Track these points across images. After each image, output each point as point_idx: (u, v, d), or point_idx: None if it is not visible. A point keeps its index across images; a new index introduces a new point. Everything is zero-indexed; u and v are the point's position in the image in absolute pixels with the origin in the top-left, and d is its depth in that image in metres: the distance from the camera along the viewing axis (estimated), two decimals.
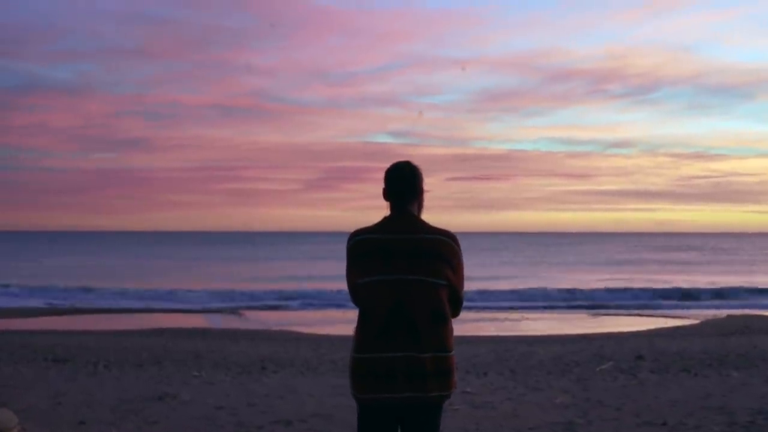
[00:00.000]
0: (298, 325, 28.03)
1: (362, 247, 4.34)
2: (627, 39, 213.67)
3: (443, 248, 4.33)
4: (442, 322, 4.30)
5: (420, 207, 4.50)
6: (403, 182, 4.42)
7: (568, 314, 32.88)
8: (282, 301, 38.67)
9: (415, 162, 4.52)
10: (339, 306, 35.13)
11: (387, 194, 4.45)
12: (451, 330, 4.37)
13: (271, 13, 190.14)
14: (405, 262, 4.26)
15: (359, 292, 4.35)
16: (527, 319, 29.67)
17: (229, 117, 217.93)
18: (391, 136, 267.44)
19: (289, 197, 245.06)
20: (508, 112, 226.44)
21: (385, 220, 4.41)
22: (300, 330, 25.99)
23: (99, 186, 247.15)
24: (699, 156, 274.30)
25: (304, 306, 36.67)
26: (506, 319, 28.59)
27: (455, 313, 4.45)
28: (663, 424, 8.91)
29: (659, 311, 34.16)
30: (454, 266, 4.37)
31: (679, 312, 33.64)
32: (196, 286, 44.38)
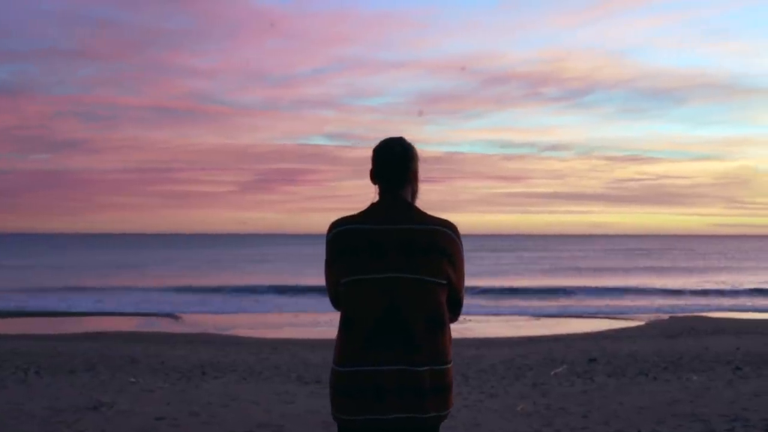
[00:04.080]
0: (237, 328, 27.30)
1: (346, 239, 3.63)
2: (563, 43, 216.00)
3: (443, 241, 3.63)
4: (440, 329, 3.61)
5: (414, 193, 3.80)
6: (395, 163, 3.72)
7: (511, 317, 32.52)
8: (221, 303, 37.86)
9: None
10: (279, 308, 34.59)
11: (375, 177, 3.76)
12: (450, 338, 3.70)
13: (210, 15, 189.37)
14: (398, 257, 3.56)
15: (342, 293, 3.66)
16: (470, 321, 29.22)
17: (167, 119, 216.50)
18: (327, 138, 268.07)
19: (225, 199, 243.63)
20: (445, 114, 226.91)
21: (373, 207, 3.70)
22: (240, 333, 25.30)
23: (35, 188, 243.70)
24: (633, 159, 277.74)
25: (244, 309, 35.84)
26: None
27: (453, 318, 3.78)
28: None
29: (600, 312, 33.93)
30: (455, 262, 3.68)
31: (620, 313, 33.43)
32: (133, 289, 43.47)
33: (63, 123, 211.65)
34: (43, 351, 17.65)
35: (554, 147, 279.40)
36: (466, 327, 27.19)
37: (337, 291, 3.72)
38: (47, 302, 37.13)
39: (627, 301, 39.47)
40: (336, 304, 3.77)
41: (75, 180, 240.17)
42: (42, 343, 20.33)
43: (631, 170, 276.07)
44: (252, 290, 43.36)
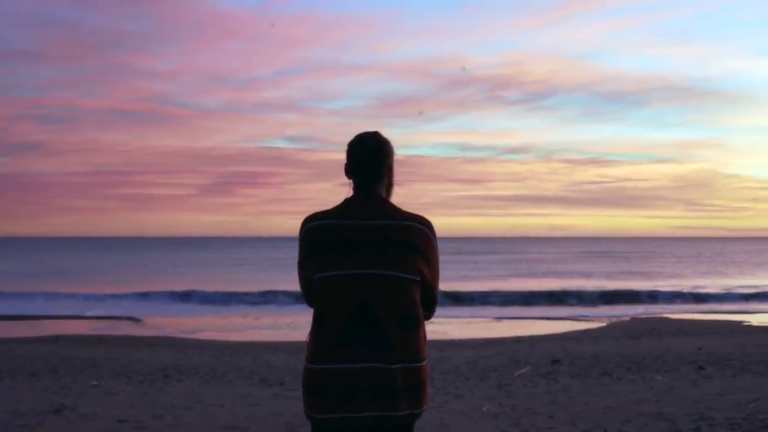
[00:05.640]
0: (199, 331, 27.11)
1: (319, 234, 3.57)
2: (523, 47, 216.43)
3: (417, 237, 3.60)
4: (414, 327, 3.59)
5: (389, 188, 3.76)
6: (369, 158, 3.67)
7: (474, 319, 32.56)
8: (182, 306, 37.66)
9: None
10: (240, 311, 34.59)
11: (349, 172, 3.70)
12: (425, 336, 3.68)
13: (172, 18, 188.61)
14: (372, 253, 3.51)
15: (315, 289, 3.60)
16: (432, 322, 29.10)
17: (127, 121, 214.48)
18: (288, 141, 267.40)
19: (185, 202, 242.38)
20: (405, 117, 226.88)
21: (347, 202, 3.65)
22: (201, 336, 25.15)
23: None
24: (592, 162, 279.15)
25: (205, 312, 35.63)
26: None
27: (428, 316, 3.77)
28: None
29: (563, 313, 34.07)
30: (429, 259, 3.65)
31: (581, 315, 33.56)
32: (93, 292, 43.06)
33: (22, 125, 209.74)
34: (1, 354, 17.44)
35: (514, 150, 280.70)
36: (429, 329, 27.20)
37: (309, 287, 3.67)
38: (4, 305, 36.74)
39: (588, 303, 39.67)
40: (309, 300, 3.71)
41: (33, 183, 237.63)
42: (0, 346, 20.10)
43: (591, 173, 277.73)
44: (213, 293, 43.02)
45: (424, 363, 3.63)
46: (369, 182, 3.67)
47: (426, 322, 3.77)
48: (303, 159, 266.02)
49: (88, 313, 34.22)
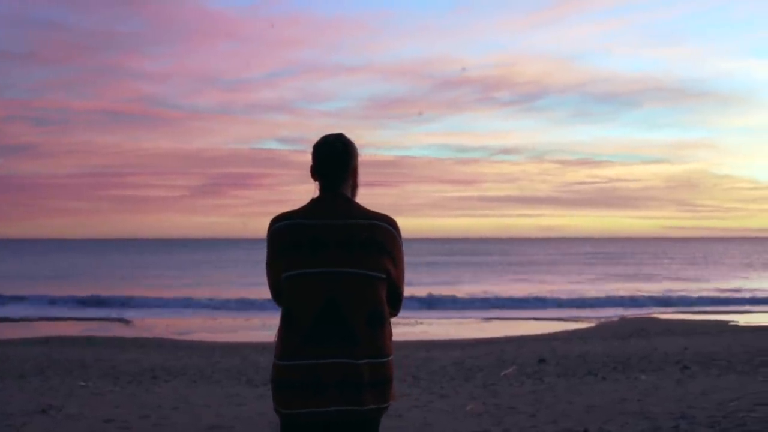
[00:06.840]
0: (189, 332, 27.17)
1: (286, 234, 3.67)
2: (515, 48, 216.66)
3: (382, 235, 3.69)
4: (380, 323, 3.66)
5: (354, 188, 3.86)
6: (335, 159, 3.77)
7: (463, 320, 32.61)
8: (172, 308, 37.66)
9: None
10: (231, 312, 34.69)
11: (315, 173, 3.81)
12: (390, 332, 3.75)
13: (163, 18, 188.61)
14: (338, 252, 3.61)
15: (283, 288, 3.70)
16: (421, 323, 29.27)
17: (119, 122, 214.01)
18: (280, 142, 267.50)
19: (178, 204, 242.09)
20: (398, 118, 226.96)
21: (314, 202, 3.75)
22: (191, 337, 25.21)
23: None
24: (584, 162, 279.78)
25: (195, 313, 35.67)
26: (398, 324, 28.00)
27: (394, 313, 3.85)
28: (584, 431, 8.48)
29: (552, 314, 34.15)
30: (395, 257, 3.74)
31: (570, 315, 33.64)
32: (84, 293, 43.03)
33: (14, 127, 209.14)
34: None
35: (506, 151, 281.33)
36: (418, 329, 27.27)
37: (278, 287, 3.75)
38: None
39: (578, 303, 39.71)
40: (278, 300, 3.81)
41: (26, 184, 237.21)
42: None
43: (582, 173, 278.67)
44: (204, 294, 43.04)
45: (389, 359, 3.71)
46: (334, 183, 3.77)
47: (401, 321, 3.86)
48: (295, 160, 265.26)
49: (79, 315, 34.23)
